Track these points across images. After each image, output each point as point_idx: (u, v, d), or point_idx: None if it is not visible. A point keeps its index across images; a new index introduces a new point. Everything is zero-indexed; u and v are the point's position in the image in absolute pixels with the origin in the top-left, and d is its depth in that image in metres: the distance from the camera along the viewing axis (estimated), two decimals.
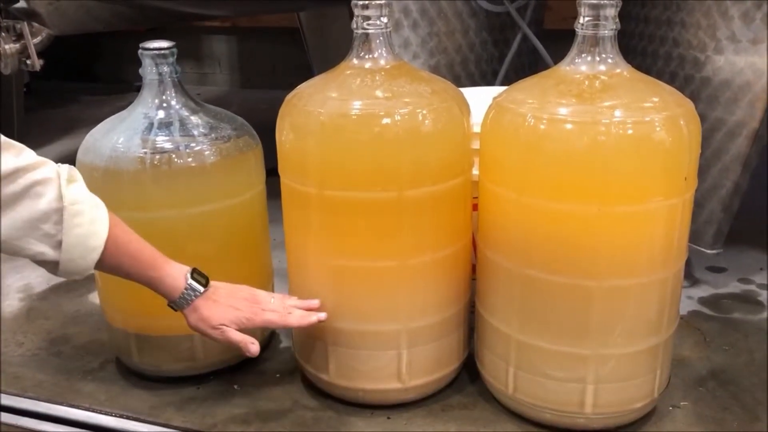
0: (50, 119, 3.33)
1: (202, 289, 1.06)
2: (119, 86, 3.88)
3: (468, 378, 1.27)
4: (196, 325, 1.07)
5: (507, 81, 1.74)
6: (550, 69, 1.10)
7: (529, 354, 1.10)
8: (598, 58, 1.03)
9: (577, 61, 1.04)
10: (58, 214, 0.94)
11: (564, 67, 1.06)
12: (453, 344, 1.21)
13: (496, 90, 1.33)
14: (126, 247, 1.02)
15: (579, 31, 1.03)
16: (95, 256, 0.98)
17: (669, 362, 1.15)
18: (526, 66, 1.88)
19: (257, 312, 1.10)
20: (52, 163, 0.96)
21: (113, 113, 1.28)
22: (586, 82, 1.03)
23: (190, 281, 1.06)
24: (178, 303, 1.07)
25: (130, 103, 1.26)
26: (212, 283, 1.09)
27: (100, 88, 3.98)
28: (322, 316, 1.12)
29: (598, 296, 1.04)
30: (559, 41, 1.70)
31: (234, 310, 1.08)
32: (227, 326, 1.07)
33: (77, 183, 0.97)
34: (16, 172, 0.91)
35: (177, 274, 1.06)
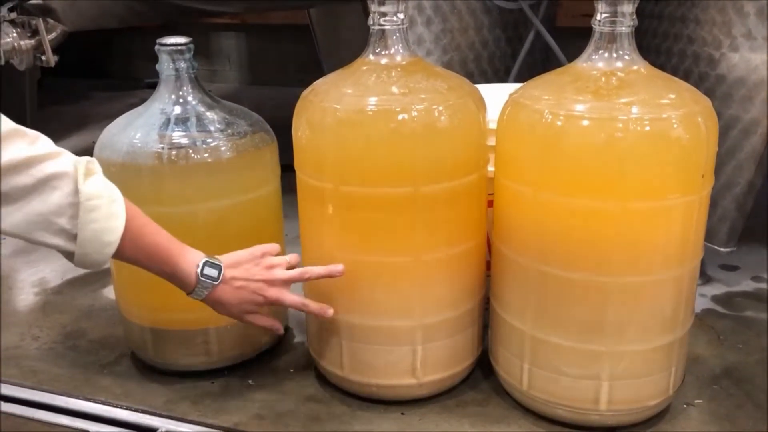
0: (61, 115, 3.35)
1: (214, 283, 1.07)
2: (130, 83, 3.90)
3: (482, 374, 1.27)
4: (222, 312, 1.11)
5: (520, 78, 1.74)
6: (567, 65, 1.10)
7: (544, 350, 1.10)
8: (615, 55, 1.03)
9: (594, 57, 1.04)
10: (73, 208, 0.93)
11: (581, 64, 1.06)
12: (467, 340, 1.21)
13: (510, 87, 1.33)
14: (141, 240, 1.02)
15: (596, 27, 1.03)
16: (110, 251, 0.97)
17: (684, 360, 1.15)
18: (539, 63, 1.88)
19: (276, 294, 1.12)
20: (69, 154, 0.95)
21: (124, 110, 1.29)
22: (603, 79, 1.03)
23: (201, 277, 1.06)
24: (195, 296, 1.08)
25: (141, 99, 1.26)
26: (225, 270, 1.08)
27: (111, 84, 3.99)
28: (330, 311, 1.15)
29: (613, 293, 1.04)
30: (571, 38, 1.70)
31: (251, 294, 1.10)
32: (249, 312, 1.12)
33: (95, 176, 0.96)
34: (30, 162, 0.89)
35: (189, 269, 1.06)
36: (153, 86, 1.26)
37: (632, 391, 1.10)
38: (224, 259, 1.11)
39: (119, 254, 1.00)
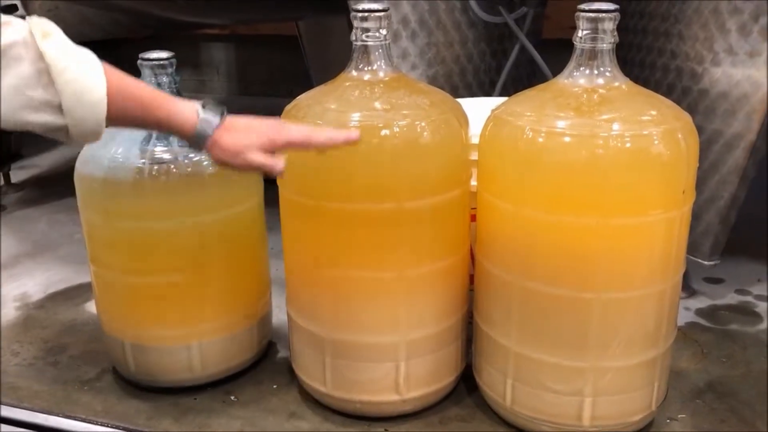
0: None
1: (217, 119, 0.96)
2: None
3: (466, 389, 1.27)
4: (219, 157, 0.98)
5: (505, 91, 1.74)
6: (549, 82, 1.11)
7: (527, 366, 1.10)
8: (596, 72, 1.04)
9: (575, 74, 1.05)
10: (45, 75, 0.84)
11: (562, 80, 1.06)
12: (451, 356, 1.21)
13: (494, 101, 1.34)
14: (127, 90, 0.92)
15: (577, 44, 1.03)
16: (101, 110, 0.88)
17: (667, 374, 1.15)
18: (524, 76, 1.88)
19: (280, 131, 0.99)
20: (18, 20, 0.86)
21: None
22: (585, 96, 1.03)
23: (203, 115, 0.96)
24: (196, 139, 0.96)
25: None
26: (225, 117, 0.98)
27: None
28: (354, 135, 1.00)
29: (596, 308, 1.04)
30: (557, 50, 1.71)
31: (255, 134, 0.98)
32: (248, 152, 0.97)
33: (53, 35, 0.86)
34: None
35: (188, 110, 0.96)
36: None
37: (615, 406, 1.10)
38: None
39: (110, 114, 0.89)
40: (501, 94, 1.73)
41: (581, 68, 1.04)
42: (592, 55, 1.03)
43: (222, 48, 3.98)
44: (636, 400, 1.11)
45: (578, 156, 0.99)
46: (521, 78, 1.86)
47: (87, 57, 0.89)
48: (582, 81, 1.04)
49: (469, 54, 1.70)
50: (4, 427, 1.23)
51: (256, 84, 3.95)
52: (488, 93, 1.79)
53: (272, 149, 0.99)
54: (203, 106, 0.97)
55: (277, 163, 0.99)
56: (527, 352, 1.09)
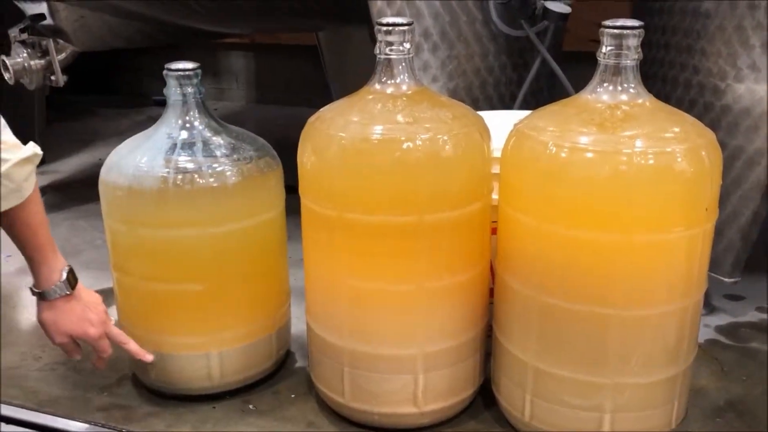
0: (69, 132, 3.37)
1: (69, 291, 1.13)
2: (137, 100, 3.92)
3: (483, 404, 1.27)
4: (45, 321, 1.14)
5: (525, 105, 1.74)
6: (572, 97, 1.11)
7: (546, 381, 1.10)
8: (620, 88, 1.03)
9: (598, 90, 1.05)
10: None
11: (585, 96, 1.06)
12: (469, 369, 1.21)
13: (514, 115, 1.34)
14: (28, 218, 1.08)
15: (601, 60, 1.03)
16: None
17: (687, 392, 1.15)
18: (545, 89, 1.88)
19: (99, 334, 1.18)
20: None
21: (131, 127, 1.31)
22: (608, 112, 1.03)
23: (64, 279, 1.12)
24: (45, 294, 1.13)
25: (148, 116, 1.28)
26: (77, 289, 1.15)
27: (119, 101, 4.02)
28: (149, 357, 1.23)
29: (616, 325, 1.03)
30: (577, 63, 1.71)
31: (85, 323, 1.16)
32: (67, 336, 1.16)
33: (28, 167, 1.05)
34: None
35: (56, 267, 1.13)
36: (161, 103, 1.27)
37: (635, 423, 1.09)
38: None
39: (3, 218, 1.05)
40: (521, 107, 1.73)
41: (605, 84, 1.04)
42: (616, 72, 1.03)
43: (241, 56, 4.01)
44: (656, 418, 1.10)
45: (601, 172, 0.99)
46: (541, 90, 1.86)
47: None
48: (605, 97, 1.04)
49: (489, 67, 1.70)
50: (26, 431, 1.25)
51: (274, 93, 3.98)
52: (508, 106, 1.79)
53: (86, 341, 1.18)
54: (68, 272, 1.13)
55: (76, 353, 1.20)
56: (546, 367, 1.09)
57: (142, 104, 3.87)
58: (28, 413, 1.28)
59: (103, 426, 1.25)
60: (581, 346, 1.06)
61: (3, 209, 1.04)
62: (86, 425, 1.25)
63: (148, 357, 1.23)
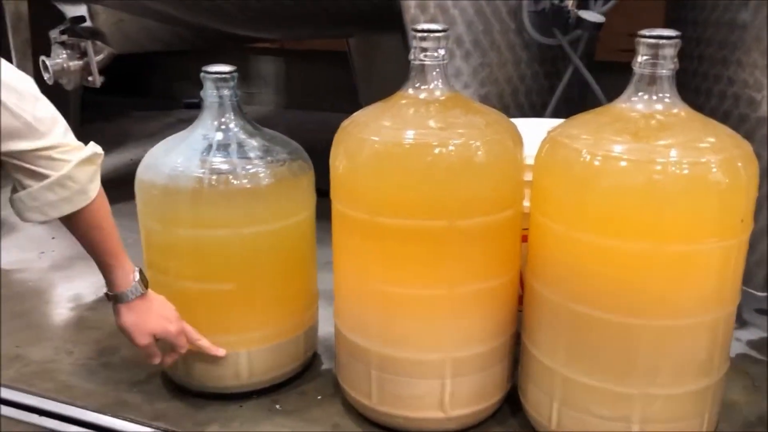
0: (101, 132, 3.42)
1: (143, 290, 1.16)
2: (168, 102, 3.98)
3: (510, 411, 1.27)
4: (127, 324, 1.16)
5: (557, 113, 1.74)
6: (606, 106, 1.10)
7: (574, 390, 1.09)
8: (655, 97, 1.03)
9: (633, 99, 1.04)
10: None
11: (620, 105, 1.06)
12: (497, 376, 1.21)
13: (548, 122, 1.34)
14: (98, 221, 1.11)
15: (636, 69, 1.03)
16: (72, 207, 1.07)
17: (719, 406, 1.13)
18: (576, 98, 1.88)
19: (178, 330, 1.19)
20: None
21: (162, 129, 1.34)
22: (643, 121, 1.03)
23: (137, 281, 1.15)
24: (121, 296, 1.14)
25: (179, 119, 1.30)
26: (149, 289, 1.18)
27: (150, 103, 4.08)
28: (221, 352, 1.24)
29: (646, 335, 1.03)
30: (610, 73, 1.70)
31: (164, 321, 1.18)
32: (150, 336, 1.17)
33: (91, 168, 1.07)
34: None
35: (129, 269, 1.15)
36: (191, 106, 1.29)
37: None
38: None
39: (74, 222, 1.09)
40: (552, 116, 1.73)
41: (639, 93, 1.04)
42: (652, 81, 1.03)
43: (271, 61, 4.05)
44: (685, 430, 1.09)
45: (634, 181, 0.99)
46: (573, 99, 1.86)
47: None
48: (640, 106, 1.04)
49: (522, 75, 1.70)
50: (57, 423, 1.27)
51: (303, 98, 4.01)
52: (539, 114, 1.79)
53: (166, 339, 1.19)
54: (140, 273, 1.16)
55: (156, 358, 1.21)
56: (575, 376, 1.09)
57: (172, 107, 3.93)
58: (62, 406, 1.30)
59: (132, 421, 1.26)
60: (611, 355, 1.05)
61: (71, 211, 1.05)
62: (116, 420, 1.27)
63: (221, 352, 1.23)
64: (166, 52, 3.14)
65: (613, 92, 1.09)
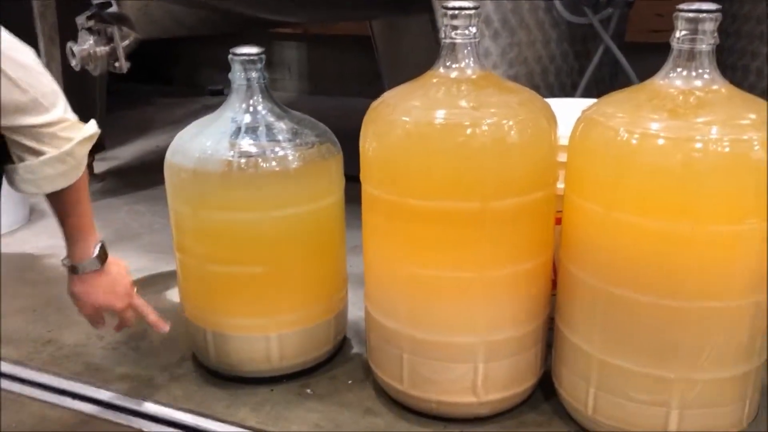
0: (126, 120, 3.45)
1: (99, 266, 1.15)
2: (193, 89, 3.99)
3: (543, 396, 1.25)
4: (75, 294, 1.17)
5: (587, 93, 1.71)
6: (642, 83, 1.08)
7: (611, 374, 1.07)
8: (694, 73, 1.00)
9: (671, 75, 1.02)
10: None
11: (657, 82, 1.03)
12: (530, 360, 1.19)
13: (581, 102, 1.31)
14: (78, 195, 1.10)
15: (675, 45, 1.00)
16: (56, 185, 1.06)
17: (760, 392, 1.11)
18: (607, 78, 1.84)
19: (124, 306, 1.21)
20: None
21: (186, 115, 1.33)
22: (681, 98, 1.00)
23: (95, 256, 1.14)
24: (75, 268, 1.15)
25: (203, 106, 1.30)
26: (106, 264, 1.17)
27: (174, 90, 4.09)
28: (166, 328, 1.27)
29: (686, 318, 1.00)
30: (640, 54, 1.67)
31: (111, 296, 1.19)
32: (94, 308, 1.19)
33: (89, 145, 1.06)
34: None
35: (91, 243, 1.15)
36: (215, 93, 1.29)
37: (703, 421, 1.06)
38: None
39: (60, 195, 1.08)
40: (582, 96, 1.69)
41: (678, 69, 1.01)
42: (691, 57, 1.00)
43: (294, 47, 4.04)
44: (726, 416, 1.07)
45: (673, 159, 0.96)
46: (603, 79, 1.82)
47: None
48: (678, 82, 1.01)
49: (551, 54, 1.67)
50: (89, 406, 1.28)
51: (326, 83, 4.00)
52: (569, 94, 1.76)
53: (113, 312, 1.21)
54: (100, 247, 1.16)
55: (101, 324, 1.24)
56: (611, 360, 1.07)
57: (196, 94, 3.94)
58: (93, 390, 1.32)
59: (163, 405, 1.27)
60: (649, 338, 1.03)
61: (65, 185, 1.06)
62: (147, 402, 1.27)
63: (165, 328, 1.26)
64: (190, 40, 3.15)
65: (644, 74, 1.06)
